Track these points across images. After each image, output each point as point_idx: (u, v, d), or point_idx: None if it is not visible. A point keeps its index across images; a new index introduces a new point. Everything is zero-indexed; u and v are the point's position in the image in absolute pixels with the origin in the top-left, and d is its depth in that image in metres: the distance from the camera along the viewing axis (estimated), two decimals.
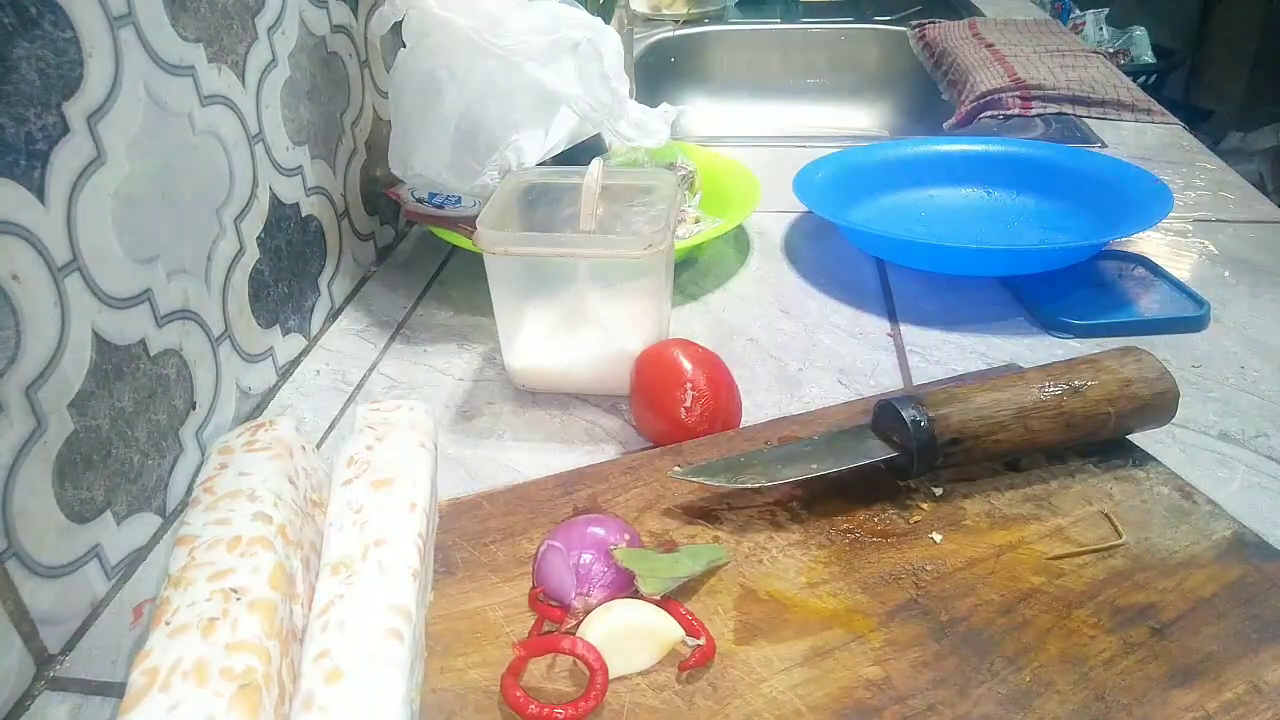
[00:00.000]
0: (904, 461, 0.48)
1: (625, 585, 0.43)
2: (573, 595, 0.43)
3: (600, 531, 0.44)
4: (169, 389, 0.54)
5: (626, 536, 0.44)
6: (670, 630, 0.40)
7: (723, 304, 0.75)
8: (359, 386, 0.66)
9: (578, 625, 0.41)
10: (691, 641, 0.40)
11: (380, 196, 0.83)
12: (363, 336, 0.72)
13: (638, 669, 0.40)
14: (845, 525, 0.47)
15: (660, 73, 1.47)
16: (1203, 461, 0.54)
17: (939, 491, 0.49)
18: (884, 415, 0.49)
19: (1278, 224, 0.81)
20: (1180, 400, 0.50)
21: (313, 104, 0.70)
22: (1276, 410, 0.58)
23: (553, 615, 0.43)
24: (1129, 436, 0.52)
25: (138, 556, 0.51)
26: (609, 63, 0.72)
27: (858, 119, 1.50)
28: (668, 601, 0.42)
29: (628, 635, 0.40)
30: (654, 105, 0.80)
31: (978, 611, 0.42)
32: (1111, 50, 2.43)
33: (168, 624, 0.34)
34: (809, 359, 0.66)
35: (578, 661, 0.39)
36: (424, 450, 0.46)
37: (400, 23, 0.71)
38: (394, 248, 0.86)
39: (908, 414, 0.47)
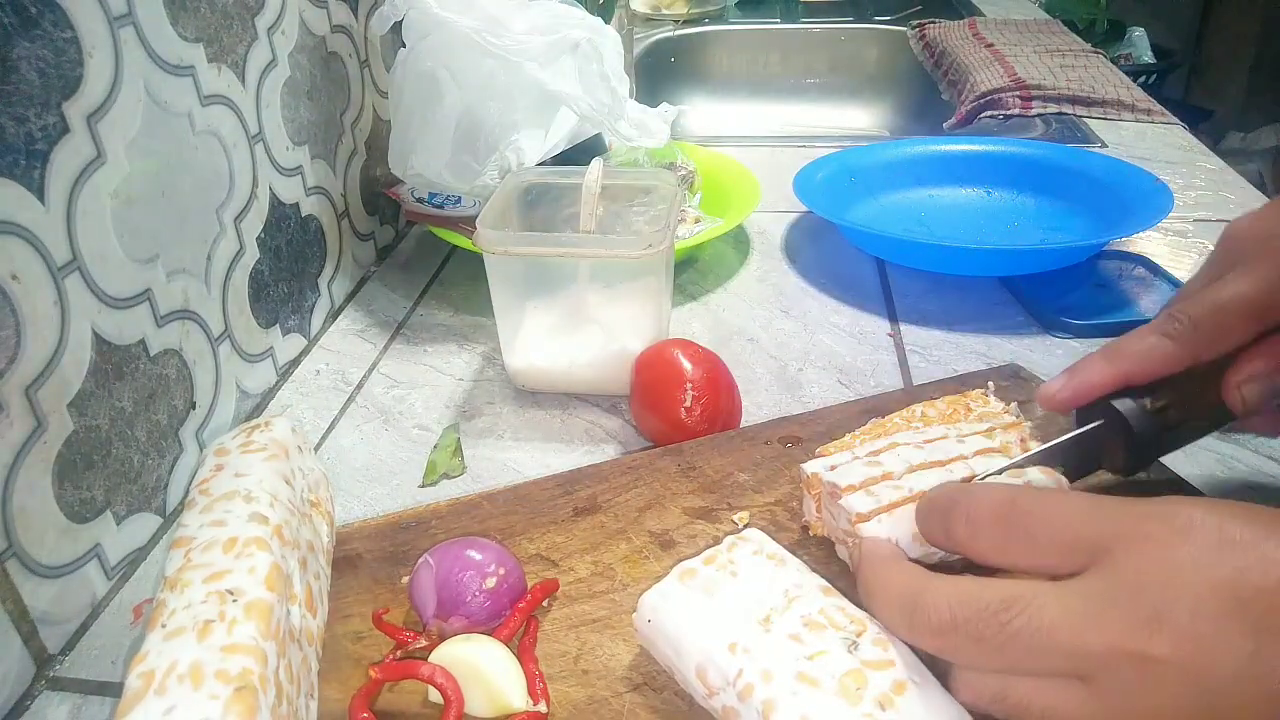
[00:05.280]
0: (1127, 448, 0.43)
1: (490, 620, 0.41)
2: (430, 617, 0.41)
3: (477, 556, 0.42)
4: (169, 389, 0.54)
5: (503, 570, 0.42)
6: (510, 694, 0.38)
7: (723, 304, 0.74)
8: (359, 386, 0.66)
9: (429, 649, 0.40)
10: (531, 706, 0.38)
11: (380, 196, 0.83)
12: (363, 336, 0.72)
13: (470, 711, 0.38)
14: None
15: (660, 73, 1.47)
16: (1203, 462, 0.54)
17: None
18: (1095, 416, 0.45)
19: None
20: None
21: (313, 104, 0.70)
22: None
23: (396, 637, 0.41)
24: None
25: (138, 556, 0.51)
26: (609, 63, 0.72)
27: (858, 119, 1.50)
28: (527, 656, 0.40)
29: (469, 676, 0.38)
30: (654, 105, 0.80)
31: None
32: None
33: (164, 626, 0.33)
34: (809, 359, 0.66)
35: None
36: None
37: (400, 23, 0.71)
38: (394, 248, 0.86)
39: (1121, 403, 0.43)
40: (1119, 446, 0.43)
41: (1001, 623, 0.31)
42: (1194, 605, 0.28)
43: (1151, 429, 0.42)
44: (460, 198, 0.77)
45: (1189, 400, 0.42)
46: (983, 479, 0.42)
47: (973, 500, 0.35)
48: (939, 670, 0.34)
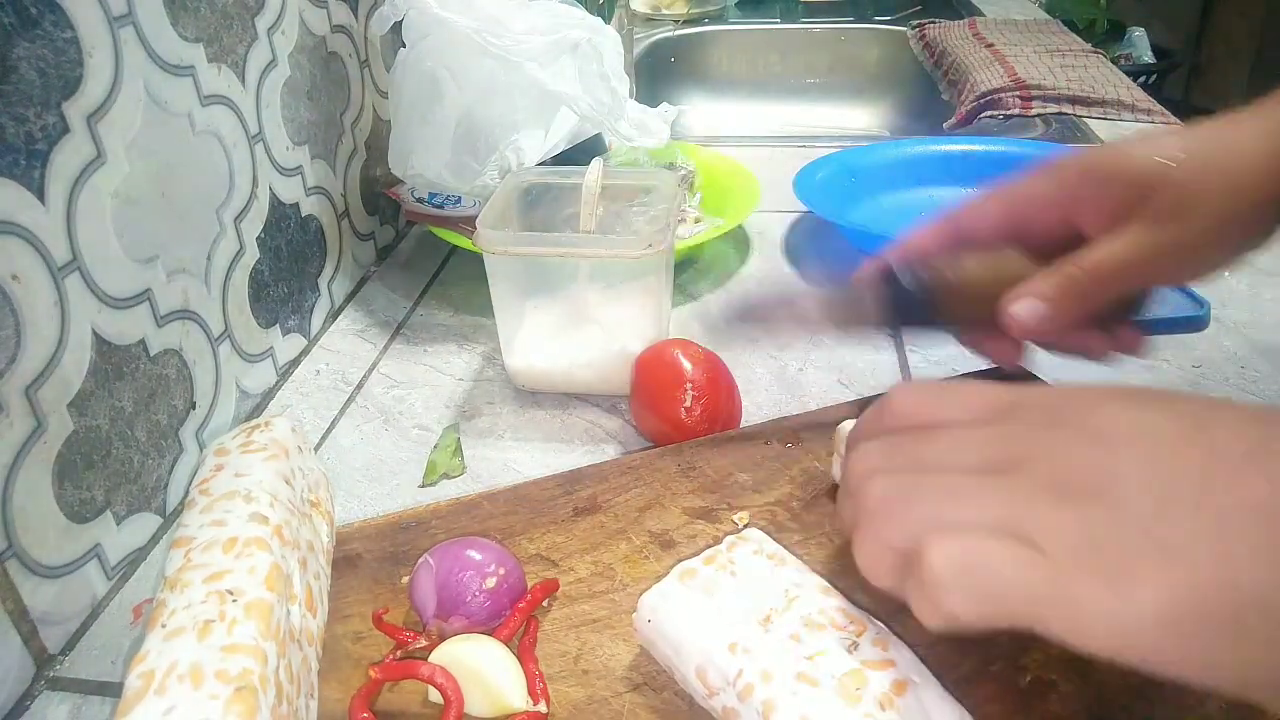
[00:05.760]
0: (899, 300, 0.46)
1: (490, 620, 0.41)
2: (430, 617, 0.41)
3: (477, 556, 0.42)
4: (169, 389, 0.54)
5: (503, 570, 0.42)
6: (509, 694, 0.38)
7: (723, 304, 0.74)
8: (359, 387, 0.66)
9: (429, 649, 0.40)
10: (531, 706, 0.38)
11: (380, 196, 0.83)
12: (363, 336, 0.72)
13: (470, 711, 0.38)
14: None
15: (660, 73, 1.47)
16: None
17: None
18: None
19: None
20: None
21: (313, 104, 0.70)
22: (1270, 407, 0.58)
23: (396, 637, 0.41)
24: None
25: (138, 556, 0.51)
26: (609, 63, 0.72)
27: (858, 119, 1.50)
28: (528, 656, 0.40)
29: (469, 676, 0.38)
30: (654, 105, 0.80)
31: None
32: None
33: (164, 626, 0.33)
34: (809, 359, 0.66)
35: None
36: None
37: (400, 23, 0.71)
38: (394, 248, 0.86)
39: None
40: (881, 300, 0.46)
41: (928, 436, 0.34)
42: (1090, 408, 0.31)
43: (917, 287, 0.45)
44: (460, 198, 0.77)
45: (957, 272, 0.45)
46: None
47: (903, 389, 0.37)
48: (938, 671, 0.34)
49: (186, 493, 0.46)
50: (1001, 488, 0.30)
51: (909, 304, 0.45)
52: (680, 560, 0.40)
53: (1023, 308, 0.43)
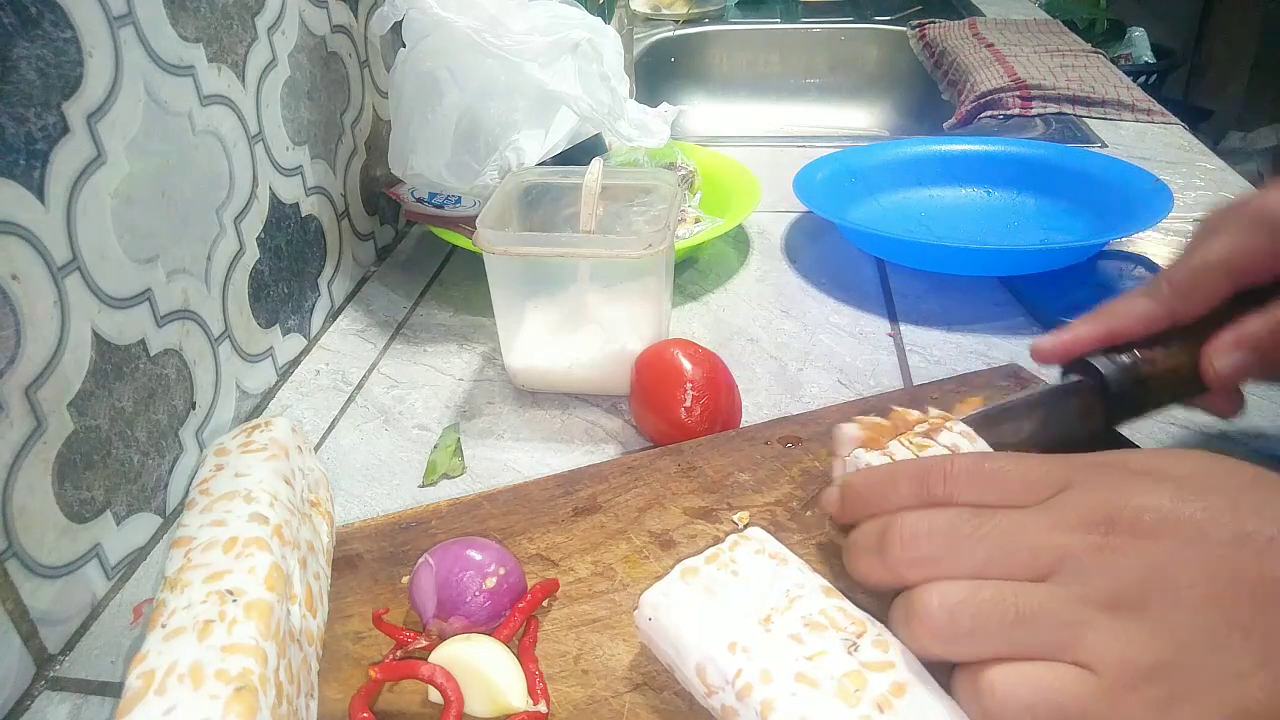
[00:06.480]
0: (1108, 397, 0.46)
1: (490, 620, 0.41)
2: (430, 617, 0.41)
3: (477, 556, 0.42)
4: (169, 389, 0.54)
5: (503, 570, 0.42)
6: (509, 694, 0.38)
7: (723, 304, 0.74)
8: (359, 387, 0.66)
9: (429, 649, 0.40)
10: (531, 706, 0.38)
11: (380, 196, 0.83)
12: (363, 336, 0.72)
13: (470, 711, 0.38)
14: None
15: (660, 73, 1.47)
16: None
17: None
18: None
19: None
20: None
21: (313, 104, 0.70)
22: (1276, 410, 0.58)
23: (396, 637, 0.41)
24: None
25: (138, 556, 0.51)
26: (609, 63, 0.72)
27: (858, 119, 1.50)
28: (528, 656, 0.40)
29: (469, 676, 0.38)
30: (654, 105, 0.80)
31: None
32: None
33: (164, 626, 0.33)
34: (809, 359, 0.66)
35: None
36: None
37: (400, 23, 0.71)
38: (394, 248, 0.86)
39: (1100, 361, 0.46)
40: (1095, 400, 0.45)
41: (975, 525, 0.35)
42: (1140, 506, 0.33)
43: (1124, 382, 0.45)
44: (460, 198, 0.77)
45: (1164, 360, 0.45)
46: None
47: (949, 460, 0.38)
48: (939, 675, 0.34)
49: (186, 493, 0.46)
50: (1057, 600, 0.32)
51: (1117, 399, 0.45)
52: (681, 560, 0.40)
53: (1230, 360, 0.44)
